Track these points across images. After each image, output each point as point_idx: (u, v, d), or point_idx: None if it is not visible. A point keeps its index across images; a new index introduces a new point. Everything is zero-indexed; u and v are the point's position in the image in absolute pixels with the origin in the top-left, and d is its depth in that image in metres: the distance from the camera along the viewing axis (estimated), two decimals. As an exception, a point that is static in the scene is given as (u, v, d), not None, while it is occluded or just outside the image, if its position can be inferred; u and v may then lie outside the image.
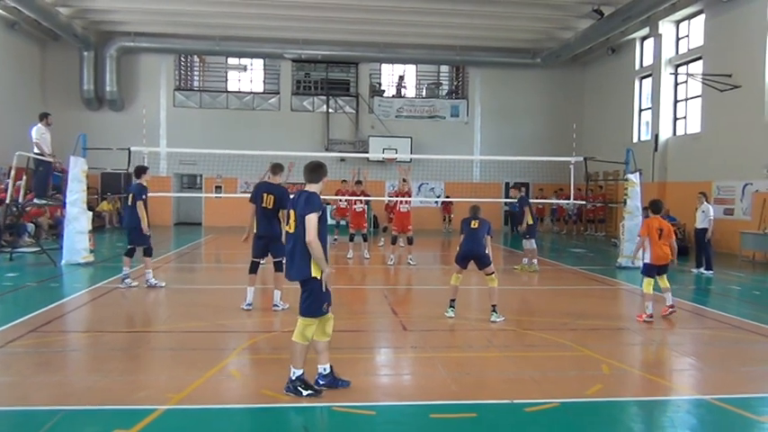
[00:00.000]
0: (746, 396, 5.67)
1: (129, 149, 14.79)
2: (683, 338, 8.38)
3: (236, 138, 25.36)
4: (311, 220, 5.31)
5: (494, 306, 8.69)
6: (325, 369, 5.58)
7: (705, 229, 14.23)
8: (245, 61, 28.97)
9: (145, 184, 10.89)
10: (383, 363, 6.97)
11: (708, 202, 14.57)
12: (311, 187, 5.59)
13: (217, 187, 26.33)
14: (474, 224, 8.80)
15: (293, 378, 5.41)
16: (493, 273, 8.75)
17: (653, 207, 9.60)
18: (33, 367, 6.28)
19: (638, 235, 9.94)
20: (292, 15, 23.04)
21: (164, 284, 11.09)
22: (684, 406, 5.57)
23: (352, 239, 16.01)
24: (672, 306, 9.22)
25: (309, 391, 5.38)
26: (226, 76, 29.34)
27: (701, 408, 5.50)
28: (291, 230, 5.55)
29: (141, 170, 11.08)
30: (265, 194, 8.82)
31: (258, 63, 29.25)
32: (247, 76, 29.55)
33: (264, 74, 29.19)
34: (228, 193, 25.15)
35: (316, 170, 5.63)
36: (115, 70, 25.91)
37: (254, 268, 9.17)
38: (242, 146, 22.51)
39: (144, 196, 10.68)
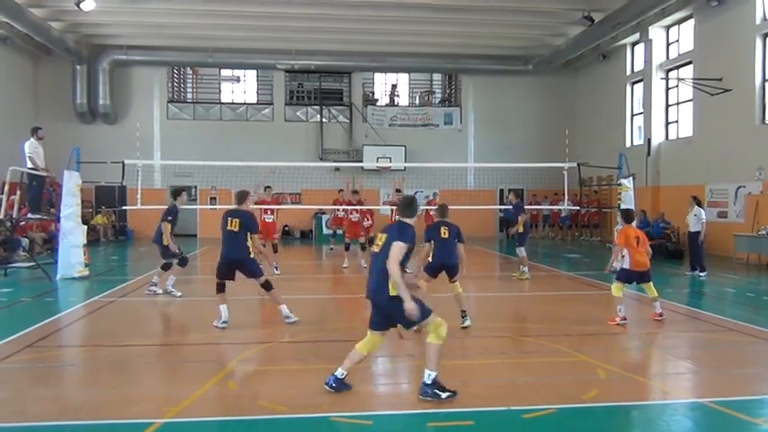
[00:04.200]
0: (742, 398, 5.70)
1: (122, 162, 14.80)
2: (678, 342, 8.42)
3: (231, 149, 25.36)
4: (398, 247, 5.51)
5: (463, 311, 8.53)
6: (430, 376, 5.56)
7: (698, 232, 14.36)
8: (237, 72, 29.04)
9: (180, 205, 11.39)
10: (380, 372, 6.97)
11: (700, 206, 14.73)
12: (406, 220, 5.90)
13: (212, 199, 26.28)
14: (444, 233, 8.41)
15: (429, 382, 5.45)
16: (456, 281, 8.58)
17: (626, 216, 9.65)
18: (29, 382, 6.27)
19: (614, 243, 9.79)
20: (284, 26, 23.13)
21: (161, 292, 11.39)
22: (681, 409, 5.60)
23: (348, 249, 16.01)
24: (660, 314, 9.16)
25: (447, 393, 5.45)
26: (219, 88, 29.34)
27: (697, 411, 5.53)
28: (377, 250, 5.71)
29: (176, 192, 11.57)
30: (230, 219, 8.87)
31: (251, 74, 29.24)
32: (240, 88, 29.56)
33: (258, 85, 29.21)
34: (223, 205, 25.05)
35: (410, 206, 6.05)
36: (108, 83, 25.90)
37: (221, 288, 8.95)
38: (236, 157, 22.50)
39: (169, 217, 11.15)
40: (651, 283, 9.30)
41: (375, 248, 5.78)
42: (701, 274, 14.31)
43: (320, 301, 11.82)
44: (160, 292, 11.44)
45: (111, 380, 6.30)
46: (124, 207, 19.94)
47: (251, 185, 16.61)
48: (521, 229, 14.12)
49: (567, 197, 16.49)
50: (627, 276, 9.29)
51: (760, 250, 16.13)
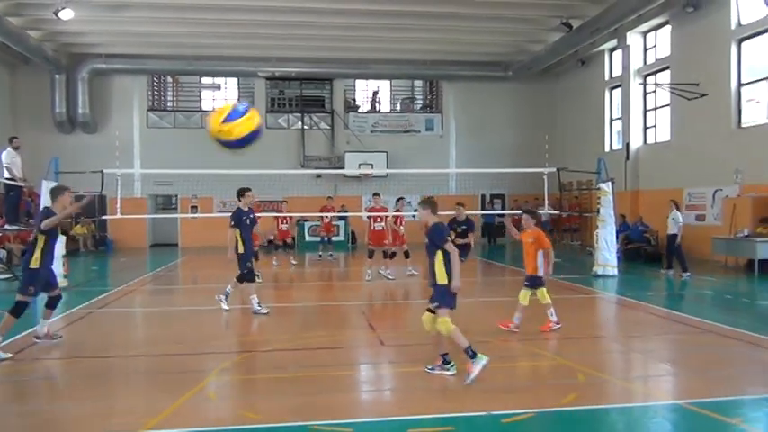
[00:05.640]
0: (719, 399, 5.76)
1: (102, 172, 14.67)
2: (657, 344, 8.51)
3: (212, 157, 24.67)
4: None
5: (444, 355, 6.67)
6: None
7: (675, 235, 14.99)
8: (218, 80, 28.95)
9: (244, 208, 10.39)
10: (361, 379, 6.98)
11: (678, 210, 15.29)
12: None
13: (192, 207, 26.16)
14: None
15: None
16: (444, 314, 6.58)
17: (538, 216, 9.13)
18: (7, 396, 6.19)
19: (544, 247, 8.68)
20: (265, 34, 23.11)
21: (266, 311, 10.34)
22: (659, 411, 5.65)
23: (387, 256, 15.17)
24: (557, 322, 8.77)
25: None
26: (200, 96, 29.26)
27: (674, 413, 5.58)
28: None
29: (239, 192, 10.52)
30: None
31: (232, 82, 29.19)
32: (221, 95, 29.48)
33: (239, 92, 29.16)
34: (204, 213, 25.00)
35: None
36: (87, 92, 25.70)
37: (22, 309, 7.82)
38: (217, 165, 22.31)
39: (233, 222, 10.18)
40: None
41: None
42: (684, 274, 14.77)
43: (302, 309, 11.78)
44: (257, 308, 10.31)
45: (89, 392, 6.24)
46: (104, 217, 19.74)
47: (232, 193, 16.53)
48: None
49: (547, 202, 16.60)
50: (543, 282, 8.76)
51: (737, 253, 16.34)
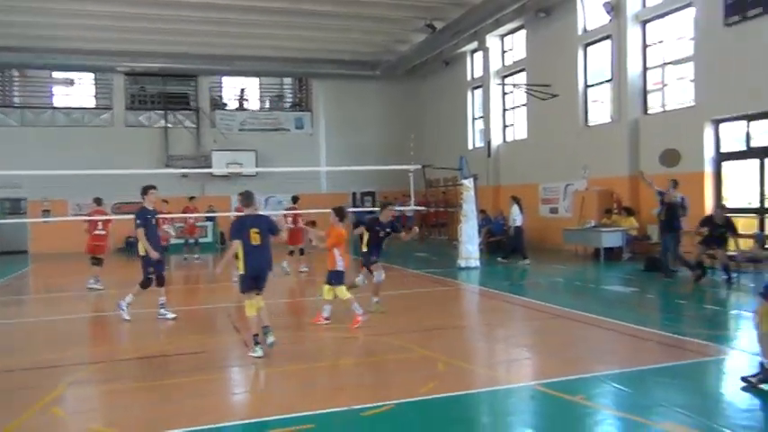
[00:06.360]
0: (564, 379, 6.16)
1: (-68, 174, 13.27)
2: (515, 331, 9.01)
3: (65, 157, 23.50)
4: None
5: (266, 327, 7.34)
6: None
7: (518, 227, 16.87)
8: (72, 75, 27.07)
9: (149, 206, 9.79)
10: (223, 383, 6.79)
11: (518, 205, 16.96)
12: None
13: (44, 211, 24.30)
14: (255, 237, 7.26)
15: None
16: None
17: (341, 214, 9.05)
18: None
19: (338, 245, 8.95)
20: (124, 26, 21.89)
21: (128, 318, 9.73)
22: (511, 394, 5.95)
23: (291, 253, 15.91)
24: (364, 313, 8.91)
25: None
26: (51, 92, 27.23)
27: (525, 393, 5.91)
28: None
29: (143, 191, 9.82)
30: None
31: (87, 77, 27.42)
32: (76, 91, 27.61)
33: (95, 88, 27.45)
34: (58, 217, 23.30)
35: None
36: None
37: None
38: (72, 165, 20.96)
39: (139, 221, 9.52)
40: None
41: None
42: (503, 260, 16.86)
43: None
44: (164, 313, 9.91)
45: None
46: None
47: (88, 195, 15.67)
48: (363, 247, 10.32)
49: (413, 198, 17.04)
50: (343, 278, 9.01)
51: (585, 242, 17.60)
